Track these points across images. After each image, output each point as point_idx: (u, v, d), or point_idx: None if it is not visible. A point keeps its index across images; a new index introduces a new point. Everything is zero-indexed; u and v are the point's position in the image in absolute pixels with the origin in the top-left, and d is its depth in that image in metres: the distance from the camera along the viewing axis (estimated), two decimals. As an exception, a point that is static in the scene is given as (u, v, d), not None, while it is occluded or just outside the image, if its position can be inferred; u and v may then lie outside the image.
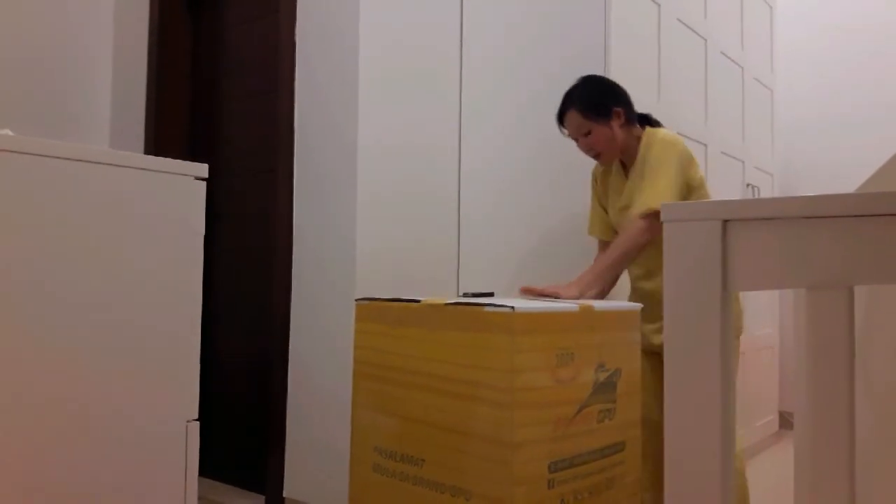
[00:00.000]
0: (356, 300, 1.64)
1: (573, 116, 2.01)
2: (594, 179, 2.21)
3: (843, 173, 3.81)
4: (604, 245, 2.19)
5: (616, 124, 2.00)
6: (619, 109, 2.00)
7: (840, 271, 0.65)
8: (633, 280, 2.15)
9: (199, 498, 1.51)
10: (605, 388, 1.49)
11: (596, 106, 2.00)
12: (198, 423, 1.49)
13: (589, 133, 2.00)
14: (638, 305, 1.64)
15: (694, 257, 0.71)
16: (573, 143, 2.08)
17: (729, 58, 3.19)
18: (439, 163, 2.25)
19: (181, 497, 1.46)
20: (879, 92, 3.76)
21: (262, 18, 2.65)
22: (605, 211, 2.18)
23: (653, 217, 1.88)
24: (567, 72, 2.33)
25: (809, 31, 3.98)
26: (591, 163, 2.19)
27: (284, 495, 2.24)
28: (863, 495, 0.92)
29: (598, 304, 1.52)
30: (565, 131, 2.06)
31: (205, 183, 1.53)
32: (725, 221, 0.70)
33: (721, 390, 0.69)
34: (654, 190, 1.90)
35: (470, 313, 1.39)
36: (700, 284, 0.70)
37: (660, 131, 2.02)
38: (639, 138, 2.05)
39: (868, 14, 3.81)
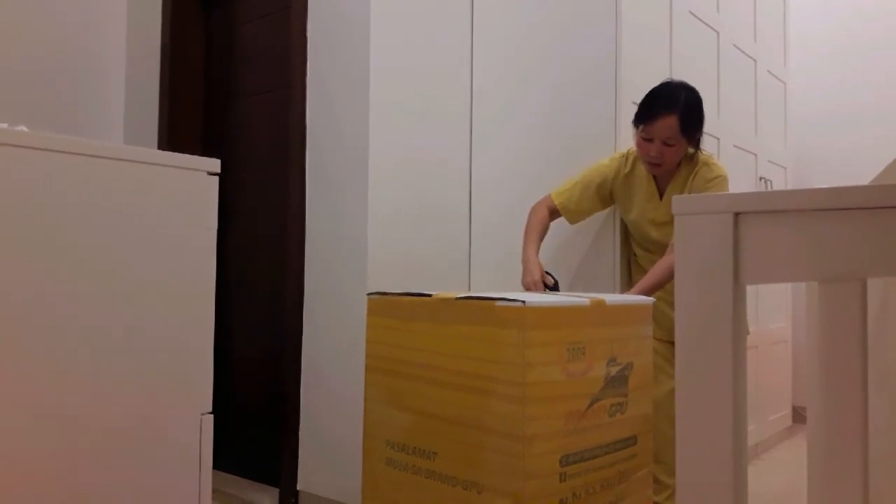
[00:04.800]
0: (368, 295, 1.65)
1: (671, 122, 1.94)
2: (604, 175, 2.16)
3: (857, 166, 3.77)
4: (551, 212, 2.15)
5: (689, 147, 2.03)
6: (699, 137, 2.03)
7: (853, 264, 0.65)
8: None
9: (214, 491, 1.52)
10: (617, 382, 1.48)
11: (695, 126, 2.00)
12: (212, 415, 1.50)
13: (672, 145, 1.97)
14: (650, 299, 1.63)
15: (706, 250, 0.71)
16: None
17: (741, 51, 3.16)
18: (451, 157, 2.25)
19: (196, 490, 1.47)
20: (894, 84, 3.72)
21: (273, 14, 2.65)
22: (597, 205, 2.18)
23: None
24: (577, 66, 2.32)
25: (823, 23, 3.94)
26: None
27: (298, 488, 2.26)
28: (876, 491, 0.91)
29: (610, 298, 1.51)
30: (644, 129, 1.98)
31: (217, 178, 1.54)
32: (737, 214, 0.70)
33: (733, 383, 0.69)
34: None
35: (481, 308, 1.39)
36: (712, 277, 0.70)
37: (718, 167, 2.06)
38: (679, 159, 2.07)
39: (882, 5, 3.77)
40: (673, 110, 1.94)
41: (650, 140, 1.98)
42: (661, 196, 2.10)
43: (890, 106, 3.72)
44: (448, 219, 2.26)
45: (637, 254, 2.23)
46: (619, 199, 2.17)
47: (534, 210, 2.16)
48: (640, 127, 1.99)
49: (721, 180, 2.03)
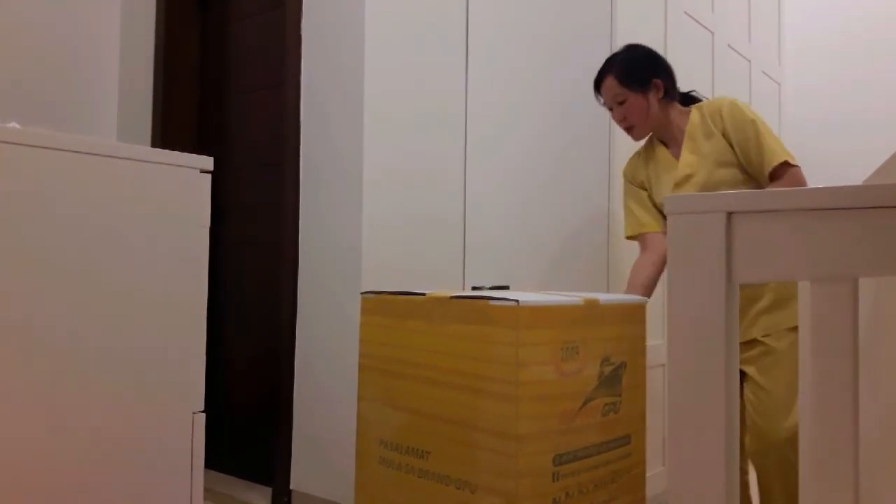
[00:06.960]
0: (362, 293, 1.64)
1: (610, 83, 1.95)
2: (628, 180, 2.12)
3: (852, 168, 3.77)
4: (652, 237, 2.02)
5: (654, 96, 1.94)
6: (658, 81, 1.94)
7: (845, 264, 0.65)
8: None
9: (206, 490, 1.52)
10: (611, 382, 1.48)
11: (634, 74, 1.93)
12: (203, 414, 1.49)
13: (623, 102, 1.93)
14: (644, 298, 1.63)
15: (698, 249, 0.71)
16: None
17: (736, 51, 3.17)
18: (447, 151, 2.24)
19: (187, 489, 1.47)
20: (889, 86, 3.73)
21: (268, 11, 2.65)
22: (652, 202, 2.08)
23: (793, 166, 1.86)
24: (571, 60, 2.33)
25: (818, 23, 3.95)
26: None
27: (291, 487, 2.25)
28: (869, 493, 0.92)
29: (604, 298, 1.51)
30: (601, 99, 2.01)
31: (210, 176, 1.53)
32: (730, 214, 0.70)
33: (725, 382, 0.69)
34: (776, 144, 1.88)
35: (475, 307, 1.39)
36: (704, 277, 0.70)
37: (722, 98, 1.95)
38: (686, 114, 1.97)
39: (879, 6, 3.78)
40: (608, 72, 1.97)
41: (611, 108, 2.00)
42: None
43: (886, 107, 3.73)
44: (445, 209, 2.25)
45: None
46: (652, 188, 2.08)
47: (633, 269, 2.02)
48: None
49: (741, 107, 1.91)
